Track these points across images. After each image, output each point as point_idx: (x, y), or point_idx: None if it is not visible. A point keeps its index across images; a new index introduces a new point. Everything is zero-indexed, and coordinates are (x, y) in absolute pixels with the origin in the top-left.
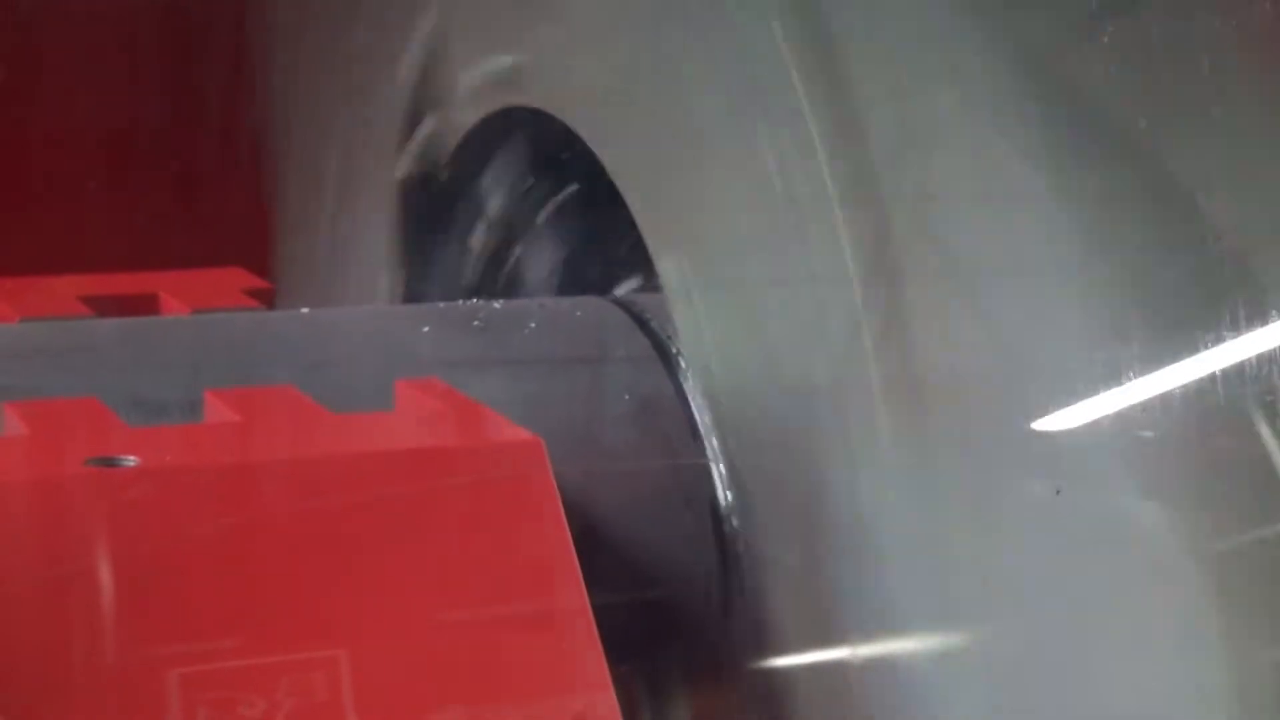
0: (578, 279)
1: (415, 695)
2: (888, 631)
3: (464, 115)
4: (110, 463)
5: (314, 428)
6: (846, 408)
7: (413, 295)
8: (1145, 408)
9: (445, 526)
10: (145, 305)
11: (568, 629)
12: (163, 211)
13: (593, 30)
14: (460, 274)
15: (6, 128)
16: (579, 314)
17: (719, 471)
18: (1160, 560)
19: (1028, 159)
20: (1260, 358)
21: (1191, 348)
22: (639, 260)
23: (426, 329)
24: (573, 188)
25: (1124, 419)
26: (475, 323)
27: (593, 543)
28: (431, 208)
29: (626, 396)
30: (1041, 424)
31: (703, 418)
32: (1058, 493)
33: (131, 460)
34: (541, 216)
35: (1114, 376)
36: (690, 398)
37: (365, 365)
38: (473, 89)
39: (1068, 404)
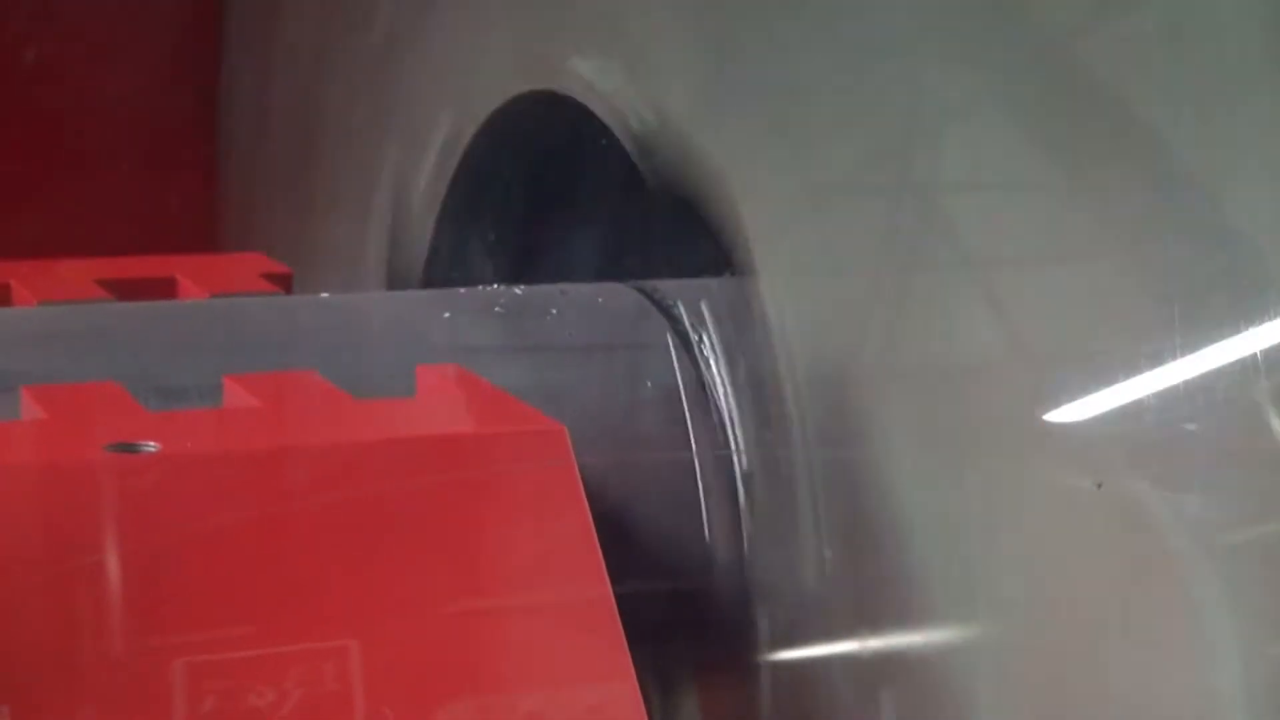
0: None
1: (429, 685)
2: (914, 621)
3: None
4: (131, 448)
5: (334, 413)
6: (870, 395)
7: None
8: (1157, 399)
9: (466, 514)
10: (163, 289)
11: (590, 618)
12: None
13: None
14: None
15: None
16: (601, 300)
17: (743, 460)
18: (1171, 554)
19: (1042, 148)
20: (1273, 349)
21: (1203, 339)
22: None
23: (447, 314)
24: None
25: (1136, 410)
26: (496, 308)
27: (614, 531)
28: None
29: (648, 384)
30: (1054, 415)
31: (727, 405)
32: (1099, 486)
33: (152, 445)
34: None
35: (1126, 368)
36: (712, 385)
37: (386, 350)
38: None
39: (1080, 395)
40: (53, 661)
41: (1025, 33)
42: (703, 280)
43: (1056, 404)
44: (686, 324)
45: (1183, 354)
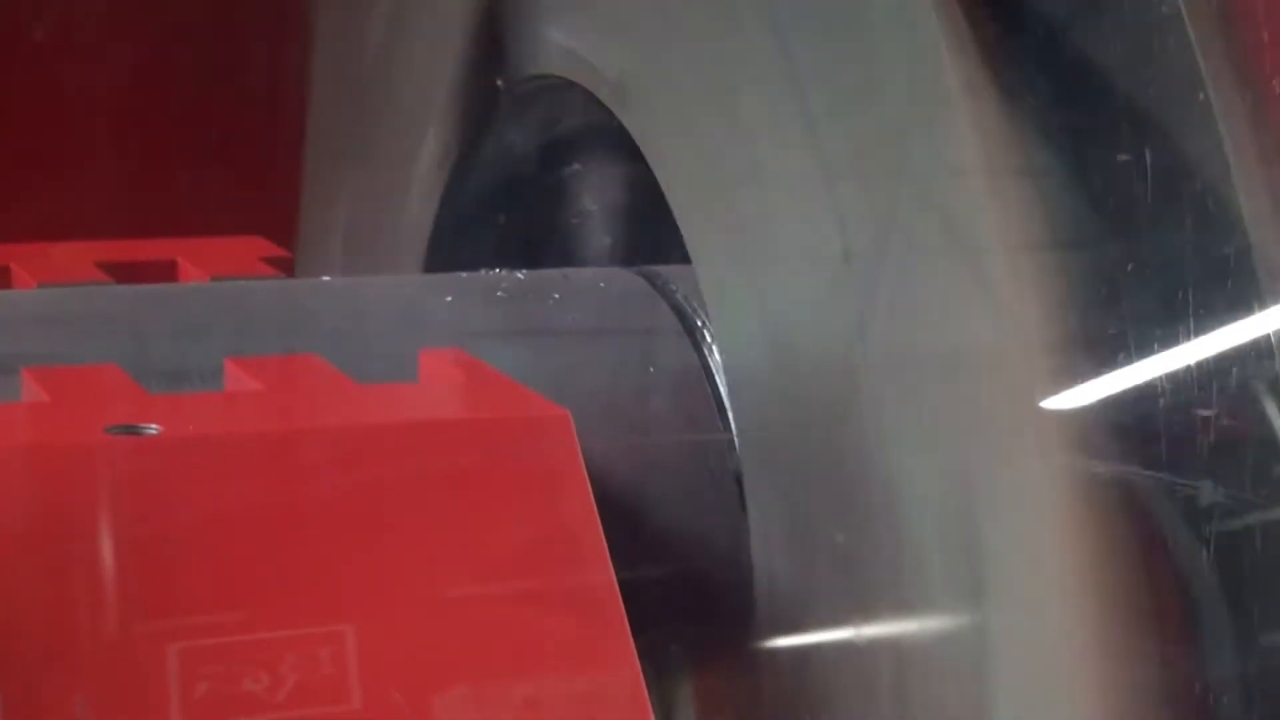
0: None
1: (428, 670)
2: (914, 607)
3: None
4: (132, 430)
5: (336, 397)
6: (870, 382)
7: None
8: (1155, 388)
9: (469, 500)
10: (163, 272)
11: (593, 604)
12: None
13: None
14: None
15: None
16: (603, 284)
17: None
18: (1166, 542)
19: (1036, 135)
20: (1267, 336)
21: (1197, 326)
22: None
23: (449, 298)
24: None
25: (1134, 398)
26: (499, 293)
27: (617, 516)
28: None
29: (651, 369)
30: (1051, 402)
31: (728, 390)
32: (1099, 473)
33: (153, 428)
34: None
35: (1123, 356)
36: (715, 370)
37: (388, 334)
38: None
39: (1077, 383)
40: (48, 645)
41: (1024, 18)
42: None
43: (1056, 392)
44: (689, 309)
45: (1180, 342)
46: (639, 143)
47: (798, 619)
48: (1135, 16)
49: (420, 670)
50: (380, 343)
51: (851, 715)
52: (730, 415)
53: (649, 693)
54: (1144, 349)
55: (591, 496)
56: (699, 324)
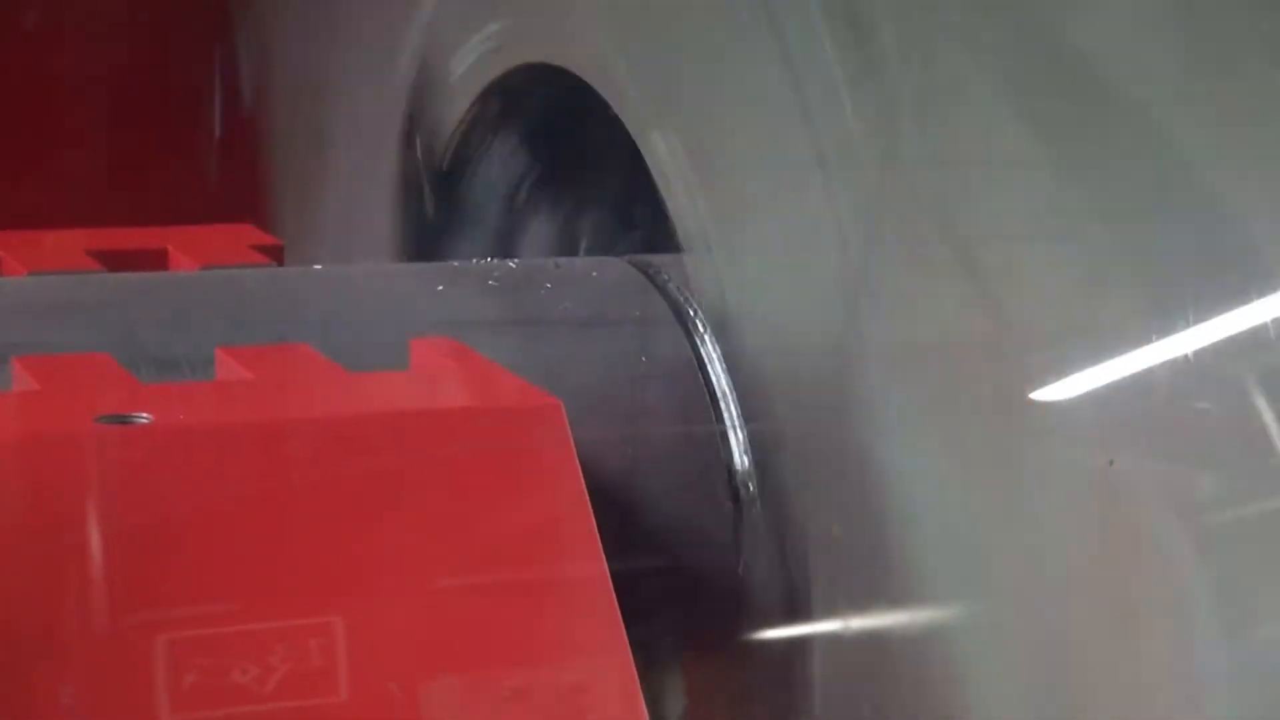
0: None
1: (418, 661)
2: (910, 600)
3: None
4: (122, 420)
5: (327, 386)
6: (866, 372)
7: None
8: (1148, 380)
9: (460, 489)
10: (154, 260)
11: (585, 594)
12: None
13: None
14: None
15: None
16: (595, 274)
17: (737, 436)
18: (1157, 533)
19: (1036, 126)
20: (1259, 329)
21: (1192, 316)
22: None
23: (441, 287)
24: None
25: (1128, 391)
26: (490, 282)
27: (609, 506)
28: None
29: (643, 358)
30: (1048, 395)
31: (721, 380)
32: (1111, 463)
33: (144, 417)
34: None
35: (1118, 349)
36: (708, 360)
37: (379, 323)
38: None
39: (1073, 376)
40: (36, 635)
41: (1019, 9)
42: (698, 254)
43: (1050, 384)
44: (680, 298)
45: (1174, 334)
46: (632, 133)
47: (790, 611)
48: (1129, 6)
49: (410, 661)
50: (371, 331)
51: (843, 707)
52: (723, 406)
53: (640, 683)
54: (1138, 341)
55: (584, 486)
56: (692, 313)
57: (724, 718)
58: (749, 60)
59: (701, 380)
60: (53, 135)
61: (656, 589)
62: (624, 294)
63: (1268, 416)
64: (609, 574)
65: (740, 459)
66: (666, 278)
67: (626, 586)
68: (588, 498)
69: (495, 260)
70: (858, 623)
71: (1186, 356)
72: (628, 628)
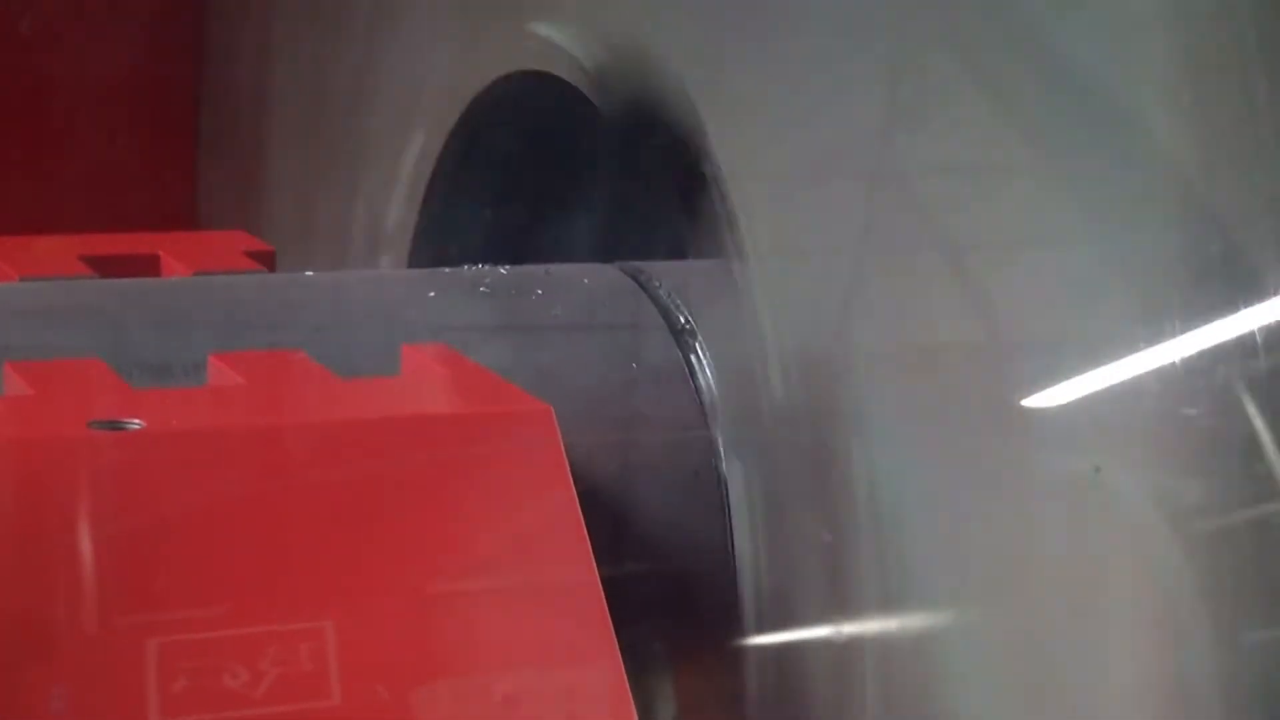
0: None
1: (407, 666)
2: (899, 604)
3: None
4: (116, 425)
5: (318, 392)
6: (856, 379)
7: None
8: (1137, 386)
9: (451, 494)
10: (146, 266)
11: (575, 600)
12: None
13: None
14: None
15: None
16: (586, 280)
17: (726, 441)
18: (1145, 539)
19: (1025, 133)
20: (1250, 336)
21: (1180, 324)
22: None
23: (432, 293)
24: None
25: (1116, 397)
26: (481, 288)
27: (600, 512)
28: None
29: (633, 364)
30: (1035, 401)
31: (711, 386)
32: (1097, 470)
33: (136, 423)
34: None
35: (1106, 355)
36: (698, 366)
37: (371, 329)
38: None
39: (1062, 382)
40: (27, 638)
41: (1007, 17)
42: (688, 262)
43: (1039, 390)
44: (671, 305)
45: (1162, 341)
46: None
47: (781, 616)
48: (1117, 14)
49: (401, 666)
50: (363, 337)
51: (834, 712)
52: (715, 412)
53: (630, 688)
54: (1127, 349)
55: (574, 492)
56: (683, 320)
57: None
58: (742, 69)
59: (691, 386)
60: (46, 140)
61: (647, 594)
62: (614, 300)
63: (1255, 423)
64: (599, 579)
65: (730, 465)
66: (657, 284)
67: (617, 592)
68: (578, 503)
69: (486, 266)
70: (848, 628)
71: (1174, 363)
72: (618, 633)
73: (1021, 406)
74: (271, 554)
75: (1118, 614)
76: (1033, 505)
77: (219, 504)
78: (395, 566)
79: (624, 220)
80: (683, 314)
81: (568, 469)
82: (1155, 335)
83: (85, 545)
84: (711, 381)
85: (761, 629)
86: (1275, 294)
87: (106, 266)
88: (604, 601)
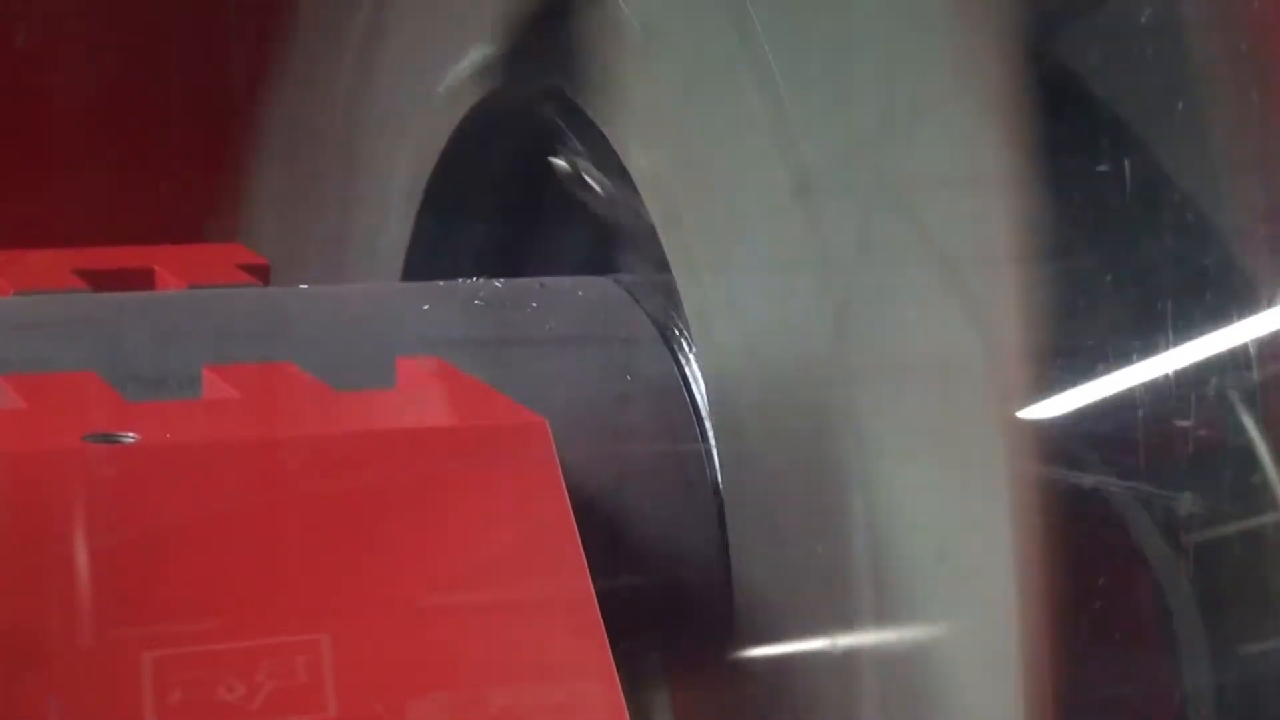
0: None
1: (402, 679)
2: (895, 616)
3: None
4: (110, 439)
5: (313, 405)
6: (849, 391)
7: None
8: (1128, 396)
9: (446, 508)
10: (140, 280)
11: (570, 613)
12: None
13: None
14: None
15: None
16: (581, 293)
17: (720, 454)
18: (1141, 551)
19: (1012, 144)
20: (1243, 346)
21: (1174, 335)
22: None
23: (427, 306)
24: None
25: (1110, 408)
26: (476, 301)
27: (595, 525)
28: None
29: (628, 377)
30: (1025, 412)
31: (705, 399)
32: (1095, 482)
33: (131, 436)
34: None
35: (1100, 366)
36: (693, 379)
37: (365, 342)
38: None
39: (1051, 392)
40: (23, 651)
41: (1000, 29)
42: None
43: (1033, 402)
44: (665, 317)
45: (1156, 352)
46: (619, 151)
47: (776, 629)
48: (1116, 25)
49: (396, 679)
50: (357, 350)
51: None
52: (709, 425)
53: (626, 702)
54: (1121, 359)
55: (569, 505)
56: (677, 333)
57: None
58: (730, 83)
59: (686, 399)
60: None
61: (642, 607)
62: (609, 313)
63: (1250, 435)
64: (594, 593)
65: (724, 476)
66: (651, 296)
67: (612, 605)
68: (573, 516)
69: (481, 280)
70: (844, 641)
71: (1168, 375)
72: (614, 646)
73: (1015, 418)
74: (267, 567)
75: (1115, 626)
76: (1027, 518)
77: (214, 517)
78: (391, 579)
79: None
80: (677, 326)
81: (562, 482)
82: (1149, 347)
83: (81, 558)
84: (705, 393)
85: (757, 641)
86: (1269, 305)
87: (101, 280)
88: (599, 614)
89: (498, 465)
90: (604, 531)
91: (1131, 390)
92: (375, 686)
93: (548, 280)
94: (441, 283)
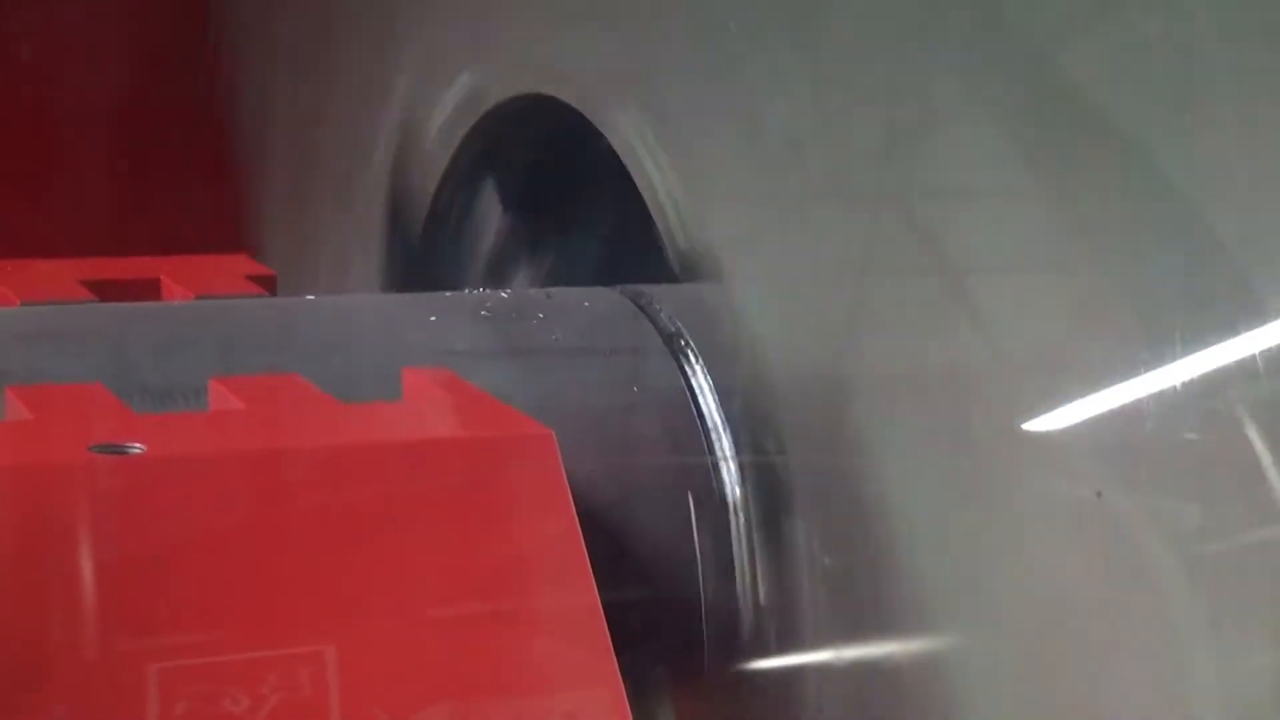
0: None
1: (409, 690)
2: (903, 630)
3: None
4: (117, 449)
5: (320, 416)
6: (858, 403)
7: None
8: (1133, 407)
9: (452, 519)
10: (147, 290)
11: (576, 624)
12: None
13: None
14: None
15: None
16: (587, 304)
17: (729, 466)
18: (1148, 563)
19: (1026, 157)
20: (1250, 358)
21: (1181, 347)
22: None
23: (433, 317)
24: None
25: (1119, 421)
26: (483, 312)
27: (601, 536)
28: None
29: (635, 388)
30: (1039, 425)
31: (712, 410)
32: (1099, 495)
33: (138, 447)
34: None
35: (1108, 379)
36: (699, 390)
37: (372, 353)
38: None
39: (1064, 406)
40: (28, 662)
41: (1008, 41)
42: (691, 285)
43: (1041, 413)
44: (672, 329)
45: (1164, 364)
46: (624, 160)
47: (783, 640)
48: (1118, 38)
49: (402, 691)
50: (364, 361)
51: None
52: (714, 436)
53: (631, 712)
54: (1128, 372)
55: (575, 516)
56: (683, 343)
57: None
58: (743, 91)
59: (693, 410)
60: (47, 166)
61: (648, 619)
62: (616, 324)
63: (1257, 447)
64: (600, 604)
65: (732, 489)
66: (658, 307)
67: (618, 616)
68: (579, 528)
69: (487, 290)
70: (850, 653)
71: (1176, 387)
72: (619, 657)
73: (1023, 430)
74: (272, 579)
75: (1122, 639)
76: (1035, 529)
77: (220, 529)
78: (396, 591)
79: (624, 243)
80: (684, 337)
81: (569, 493)
82: (1157, 358)
83: (86, 570)
84: (712, 404)
85: (763, 653)
86: (1276, 317)
87: (108, 291)
88: (605, 625)
89: (504, 476)
90: (610, 542)
91: (1139, 402)
92: (380, 698)
93: (554, 291)
94: (448, 293)
